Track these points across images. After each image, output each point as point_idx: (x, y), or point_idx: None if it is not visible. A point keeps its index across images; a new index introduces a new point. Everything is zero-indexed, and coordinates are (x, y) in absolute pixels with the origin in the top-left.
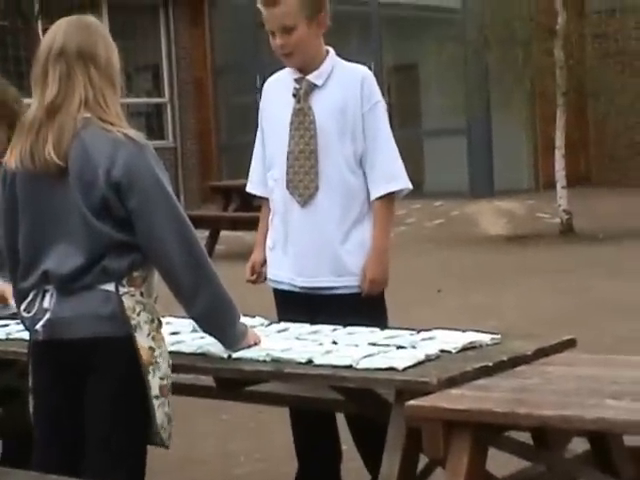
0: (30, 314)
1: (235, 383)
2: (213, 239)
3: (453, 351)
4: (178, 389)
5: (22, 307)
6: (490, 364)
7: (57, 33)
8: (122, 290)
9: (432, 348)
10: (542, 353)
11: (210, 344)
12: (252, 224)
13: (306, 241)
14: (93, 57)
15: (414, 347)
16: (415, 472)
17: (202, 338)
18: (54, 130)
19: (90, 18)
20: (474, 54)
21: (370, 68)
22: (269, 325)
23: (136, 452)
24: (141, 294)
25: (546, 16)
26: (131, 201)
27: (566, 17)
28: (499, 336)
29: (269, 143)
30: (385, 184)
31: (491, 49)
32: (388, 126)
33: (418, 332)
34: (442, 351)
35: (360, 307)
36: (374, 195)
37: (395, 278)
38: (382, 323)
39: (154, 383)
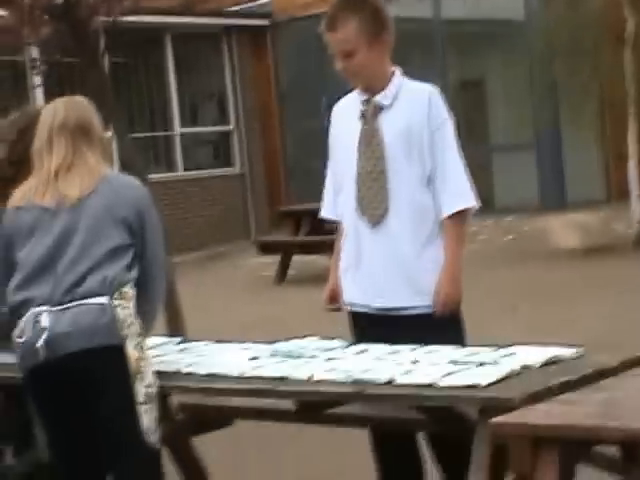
0: (23, 338)
1: (316, 406)
2: (284, 264)
3: (535, 366)
4: (258, 414)
5: (15, 333)
6: (574, 378)
7: (55, 111)
8: (115, 302)
9: (514, 364)
10: (626, 365)
11: (290, 368)
12: (323, 247)
13: (378, 262)
14: (90, 131)
15: (496, 363)
16: None
17: (282, 362)
18: (72, 176)
19: (79, 98)
20: (540, 66)
21: (435, 85)
22: (348, 347)
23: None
24: (131, 307)
25: (614, 23)
26: (146, 227)
27: (635, 23)
28: (582, 349)
29: (338, 166)
30: (454, 203)
31: (557, 60)
32: (456, 144)
33: (498, 348)
34: (524, 367)
35: (437, 326)
36: (444, 214)
37: (470, 295)
38: (460, 341)
39: (140, 390)
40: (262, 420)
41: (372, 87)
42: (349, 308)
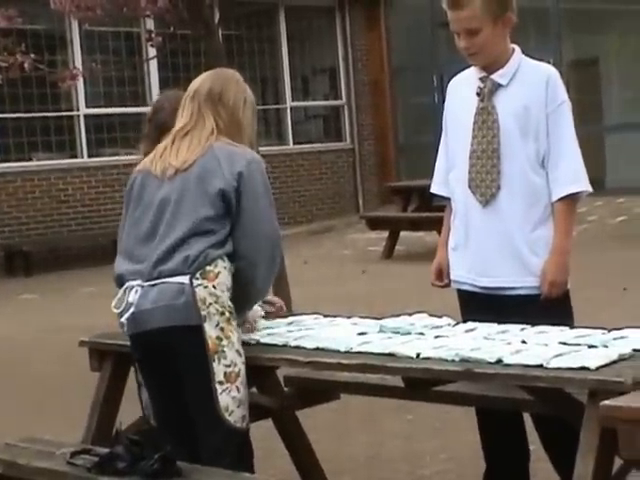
0: (119, 310)
1: (423, 383)
2: (393, 240)
3: None
4: (365, 389)
5: (112, 303)
6: None
7: (196, 80)
8: (195, 282)
9: (625, 347)
10: None
11: (398, 344)
12: (432, 224)
13: (487, 241)
14: (221, 97)
15: (606, 346)
16: (610, 474)
17: (389, 338)
18: (182, 147)
19: (229, 70)
20: None
21: (549, 64)
22: (456, 325)
23: (229, 431)
24: (214, 287)
25: None
26: (243, 197)
27: None
28: None
29: (452, 142)
30: (567, 185)
31: None
32: (572, 127)
33: (609, 331)
34: (635, 350)
35: (544, 308)
36: (555, 196)
37: (579, 277)
38: (568, 323)
39: (219, 370)
40: (369, 395)
41: (491, 65)
42: (457, 286)
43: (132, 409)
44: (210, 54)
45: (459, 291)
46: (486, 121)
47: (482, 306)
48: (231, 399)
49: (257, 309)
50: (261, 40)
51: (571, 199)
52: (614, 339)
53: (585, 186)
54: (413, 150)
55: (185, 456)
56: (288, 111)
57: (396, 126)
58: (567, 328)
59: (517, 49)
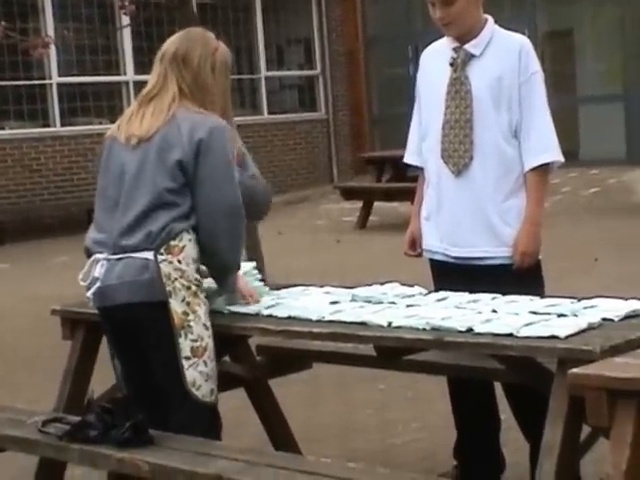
0: (85, 283)
1: (394, 352)
2: (366, 210)
3: (616, 319)
4: (337, 358)
5: (79, 276)
6: None
7: (167, 41)
8: (160, 258)
9: (594, 316)
10: None
11: (369, 313)
12: (405, 195)
13: (460, 211)
14: (185, 59)
15: (576, 315)
16: (578, 441)
17: (361, 307)
18: (147, 113)
19: (198, 31)
20: (631, 17)
21: (524, 34)
22: (427, 294)
23: (197, 405)
24: (179, 262)
25: None
26: (200, 167)
27: None
28: None
29: (425, 112)
30: (538, 156)
31: None
32: (545, 97)
33: (579, 300)
34: (604, 319)
35: (516, 277)
36: (527, 166)
37: (551, 247)
38: (539, 293)
39: (185, 345)
40: (341, 364)
41: (464, 35)
42: (429, 256)
43: (105, 377)
44: (184, 23)
45: (431, 260)
46: (459, 91)
47: (454, 275)
48: (198, 374)
49: (247, 281)
50: (236, 9)
51: (543, 169)
52: (584, 308)
53: (557, 156)
54: (387, 121)
55: (156, 426)
56: (262, 81)
57: (370, 97)
58: (538, 297)
59: (490, 19)
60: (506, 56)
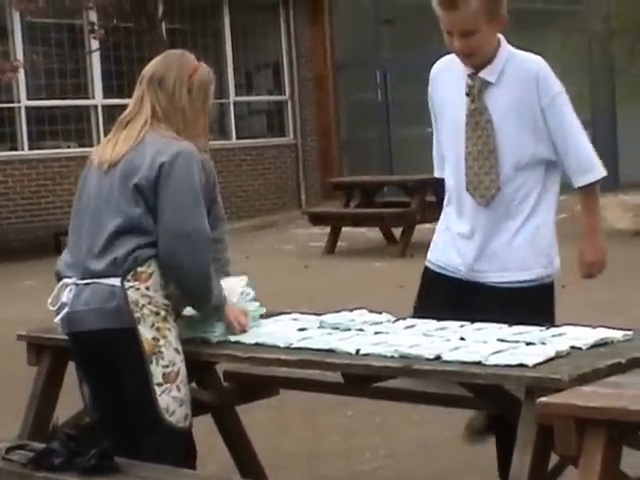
0: (54, 308)
1: (362, 379)
2: (335, 235)
3: (584, 347)
4: (305, 385)
5: (49, 300)
6: (623, 361)
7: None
8: (127, 285)
9: (562, 344)
10: None
11: (337, 340)
12: (374, 220)
13: (487, 237)
14: (161, 82)
15: (544, 343)
16: (546, 470)
17: (329, 334)
18: (120, 138)
19: (177, 53)
20: (599, 45)
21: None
22: (396, 321)
23: (170, 431)
24: (146, 288)
25: None
26: (162, 192)
27: None
28: (631, 332)
29: (443, 137)
30: (582, 176)
31: (617, 39)
32: (574, 116)
33: (547, 328)
34: (573, 347)
35: (530, 303)
36: (575, 185)
37: None
38: (549, 317)
39: (157, 371)
40: (308, 391)
41: (482, 64)
42: (435, 269)
43: (70, 403)
44: (153, 48)
45: (434, 273)
46: (479, 122)
47: (458, 294)
48: (172, 399)
49: (238, 307)
50: (205, 34)
51: (590, 187)
52: (552, 336)
53: (598, 175)
54: (356, 146)
55: (125, 454)
56: (231, 106)
57: (339, 122)
58: (505, 325)
59: (502, 41)
60: (523, 81)
